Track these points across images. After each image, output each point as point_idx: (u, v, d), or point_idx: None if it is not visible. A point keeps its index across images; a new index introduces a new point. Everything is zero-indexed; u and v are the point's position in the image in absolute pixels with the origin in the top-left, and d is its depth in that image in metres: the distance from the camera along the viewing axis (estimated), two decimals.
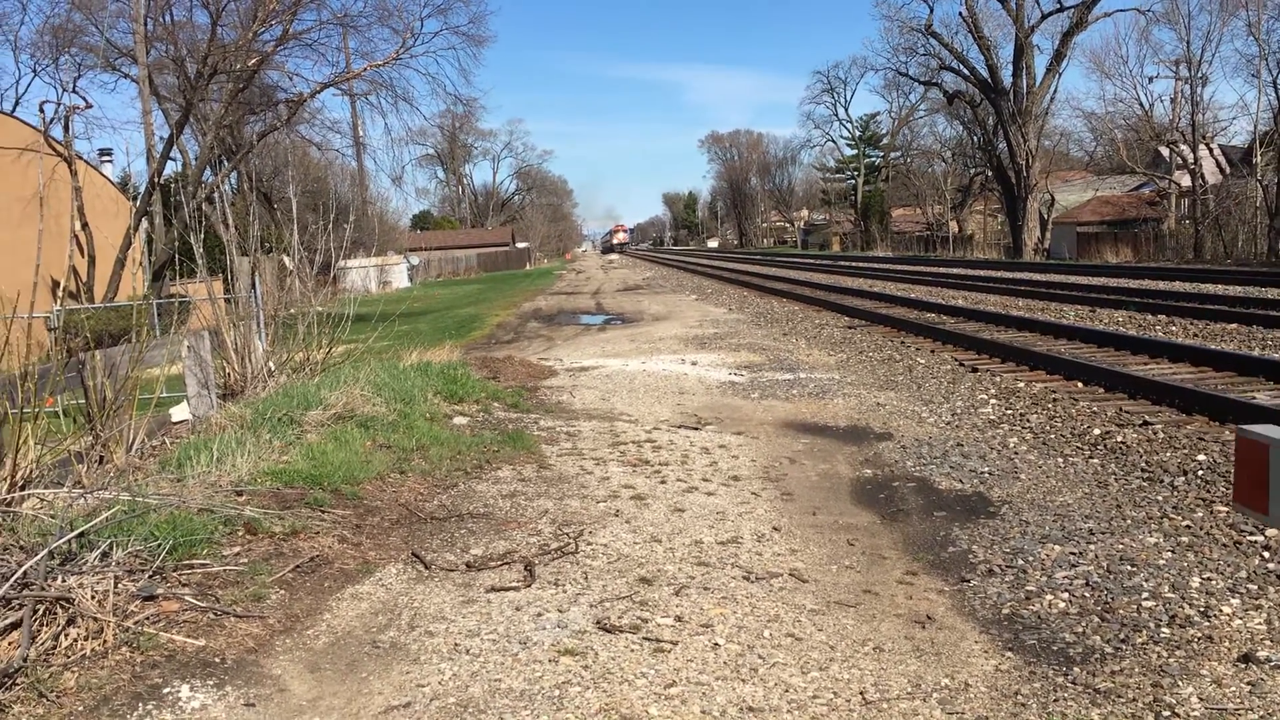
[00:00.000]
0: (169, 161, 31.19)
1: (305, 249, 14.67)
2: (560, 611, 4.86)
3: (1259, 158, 39.58)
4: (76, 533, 4.72)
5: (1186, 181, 44.93)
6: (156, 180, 29.45)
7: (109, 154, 39.61)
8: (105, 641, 4.16)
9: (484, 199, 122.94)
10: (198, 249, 11.74)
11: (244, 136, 33.63)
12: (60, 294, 26.53)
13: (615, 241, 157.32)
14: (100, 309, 20.52)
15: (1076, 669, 4.21)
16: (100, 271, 28.57)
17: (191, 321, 11.81)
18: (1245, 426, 1.90)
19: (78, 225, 28.90)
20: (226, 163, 32.63)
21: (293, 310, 12.63)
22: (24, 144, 27.36)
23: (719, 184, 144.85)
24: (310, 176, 46.71)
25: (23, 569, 4.27)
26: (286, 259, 15.20)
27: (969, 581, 5.33)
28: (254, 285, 11.92)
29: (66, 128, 30.71)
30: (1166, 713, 3.76)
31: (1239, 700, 3.80)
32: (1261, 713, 3.69)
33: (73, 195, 28.48)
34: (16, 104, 38.92)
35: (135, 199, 31.77)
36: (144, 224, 29.72)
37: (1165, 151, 48.40)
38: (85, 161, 31.42)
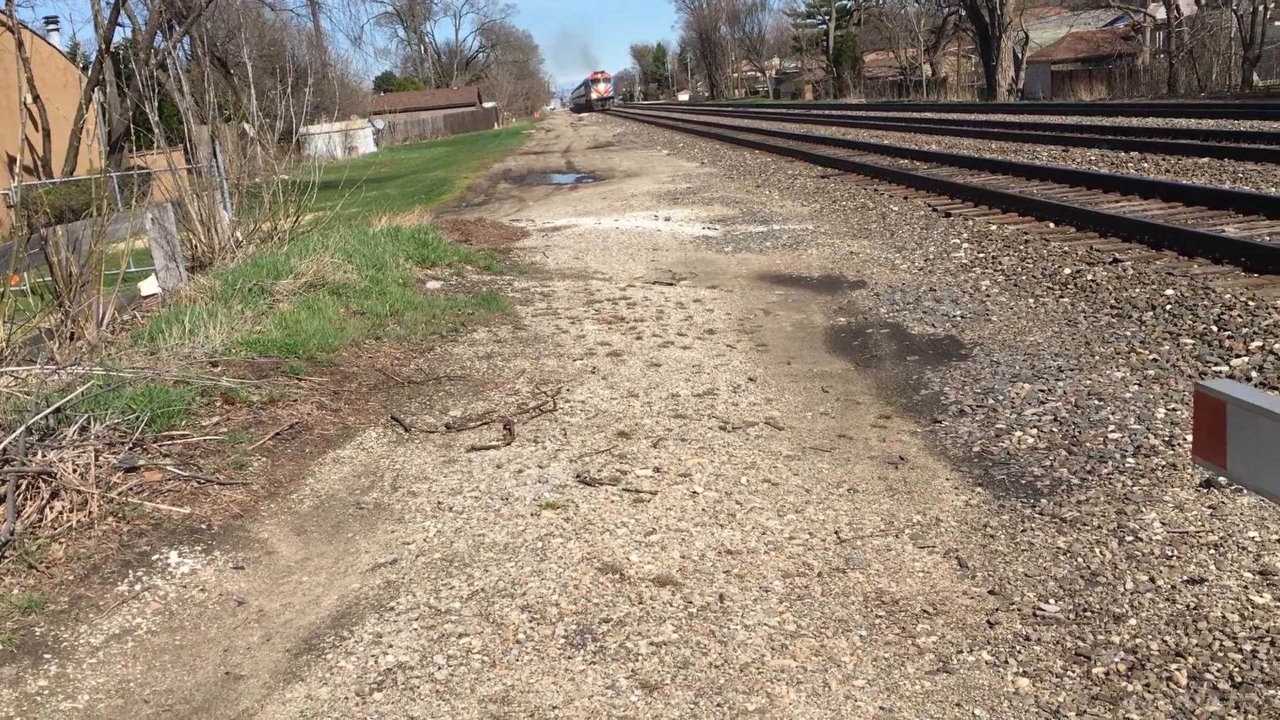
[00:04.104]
0: (117, 28, 30.07)
1: (265, 115, 14.34)
2: (540, 467, 4.94)
3: None
4: (53, 408, 4.72)
5: (1161, 14, 44.11)
6: (106, 48, 28.46)
7: (55, 22, 38.25)
8: (90, 513, 4.21)
9: (447, 58, 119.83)
10: (153, 118, 11.44)
11: None
12: (17, 169, 25.89)
13: (595, 96, 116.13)
14: (60, 184, 20.06)
15: (1044, 500, 4.33)
16: (56, 145, 27.82)
17: (153, 193, 11.59)
18: (1202, 382, 1.91)
19: (28, 98, 27.97)
20: (177, 27, 31.50)
21: (257, 179, 12.43)
22: None
23: (688, 34, 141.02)
24: (266, 40, 45.24)
25: (1, 445, 4.29)
26: (247, 126, 14.85)
27: (941, 422, 5.43)
28: (215, 154, 11.67)
29: None
30: (1130, 538, 3.89)
31: (1200, 523, 3.93)
32: (1221, 534, 3.82)
33: (19, 66, 27.51)
34: None
35: (86, 69, 30.74)
36: (97, 94, 28.83)
37: None
38: (31, 30, 30.26)
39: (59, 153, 27.62)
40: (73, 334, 6.90)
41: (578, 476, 4.78)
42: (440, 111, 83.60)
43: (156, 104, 12.74)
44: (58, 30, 37.21)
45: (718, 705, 3.02)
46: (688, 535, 4.14)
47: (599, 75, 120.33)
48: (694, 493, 4.57)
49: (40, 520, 4.13)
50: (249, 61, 17.28)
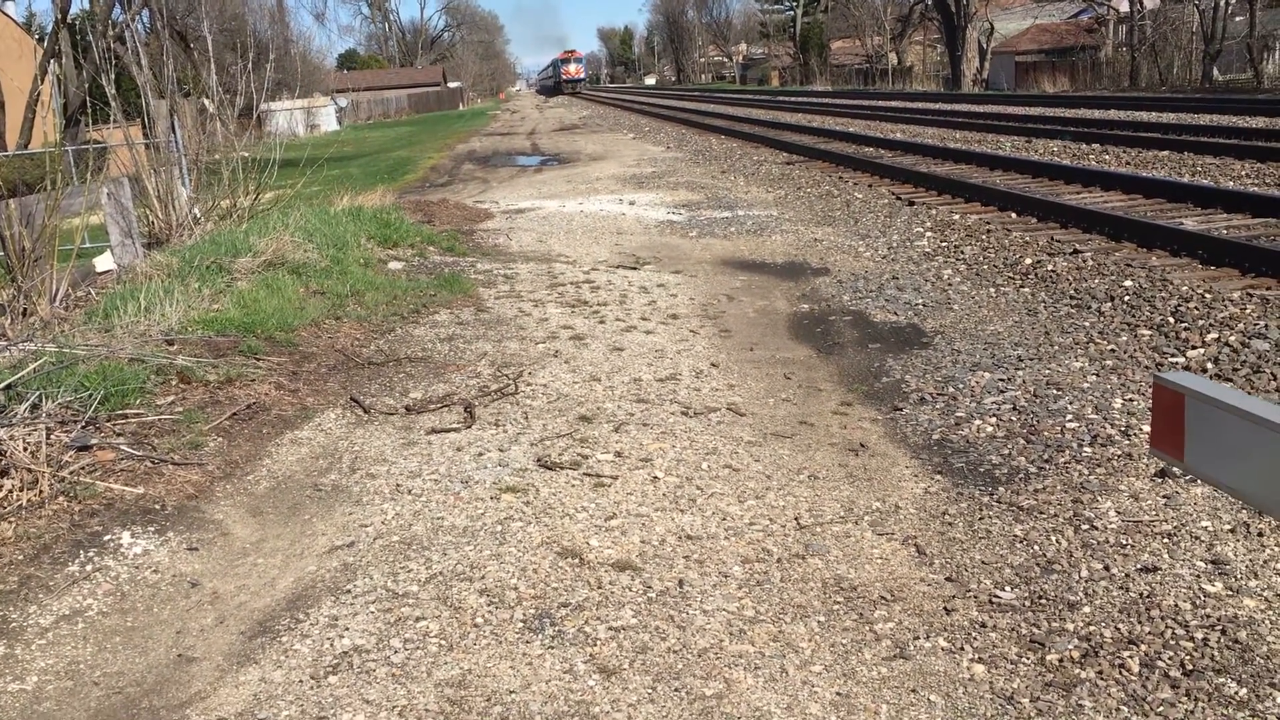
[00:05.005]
0: None
1: (226, 91, 14.13)
2: (501, 451, 4.91)
3: None
4: (4, 385, 4.63)
5: (1125, 7, 44.51)
6: (63, 19, 27.89)
7: None
8: (41, 492, 4.14)
9: (412, 37, 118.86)
10: (111, 92, 11.24)
11: None
12: None
13: (565, 78, 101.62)
14: (13, 157, 19.69)
15: (1002, 489, 4.36)
16: (10, 118, 27.29)
17: (110, 168, 11.40)
18: (1161, 374, 1.92)
19: None
20: None
21: (216, 155, 12.25)
22: None
23: (655, 18, 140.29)
24: (227, 14, 44.59)
25: None
26: (207, 102, 14.62)
27: (901, 410, 5.45)
28: (173, 129, 11.49)
29: None
30: (1085, 526, 3.93)
31: (1154, 513, 3.98)
32: (1175, 523, 3.87)
33: None
34: None
35: (42, 40, 30.15)
36: (53, 66, 28.27)
37: None
38: None
39: (13, 125, 27.08)
40: (25, 310, 6.77)
41: (538, 460, 4.76)
42: (404, 91, 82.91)
43: (114, 77, 12.50)
44: (13, 0, 36.45)
45: (675, 690, 3.02)
46: (648, 520, 4.13)
47: (569, 54, 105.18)
48: (655, 478, 4.56)
49: None
50: (209, 36, 17.01)
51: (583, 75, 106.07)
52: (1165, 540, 3.76)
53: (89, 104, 12.76)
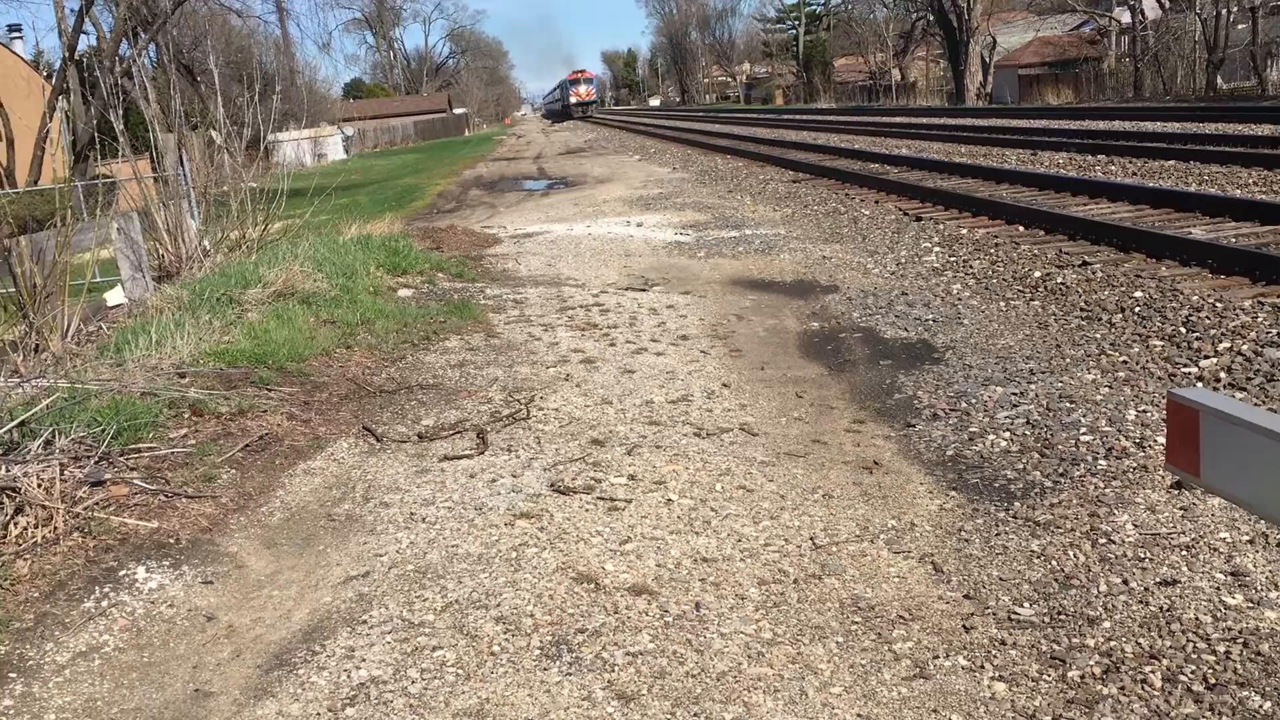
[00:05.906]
0: (82, 35, 29.72)
1: (233, 123, 14.21)
2: (514, 476, 4.90)
3: None
4: (17, 422, 4.65)
5: (1127, 18, 44.57)
6: (70, 56, 28.14)
7: (18, 30, 37.83)
8: (56, 528, 4.14)
9: (417, 65, 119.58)
10: (119, 126, 11.32)
11: (159, 5, 32.08)
12: None
13: (574, 100, 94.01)
14: (23, 194, 19.83)
15: (1017, 504, 4.34)
16: (20, 155, 27.48)
17: (119, 203, 11.46)
18: (1175, 390, 1.91)
19: None
20: (143, 34, 31.20)
21: (224, 187, 12.31)
22: None
23: (658, 40, 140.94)
24: (233, 47, 44.96)
25: None
26: (214, 134, 14.71)
27: (914, 426, 5.44)
28: (181, 162, 11.55)
29: None
30: (1103, 540, 3.90)
31: (1171, 525, 3.95)
32: (1193, 536, 3.84)
33: None
34: None
35: (50, 77, 30.41)
36: (61, 102, 28.51)
37: None
38: None
39: (23, 163, 27.28)
40: (37, 346, 6.79)
41: (552, 485, 4.75)
42: (410, 118, 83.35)
43: (122, 112, 12.60)
44: (21, 38, 36.84)
45: (694, 715, 3.00)
46: (663, 543, 4.11)
47: (579, 74, 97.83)
48: (669, 500, 4.55)
49: (4, 536, 4.06)
50: (216, 68, 17.09)
51: (594, 97, 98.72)
52: (1184, 553, 3.73)
53: (97, 139, 12.87)
